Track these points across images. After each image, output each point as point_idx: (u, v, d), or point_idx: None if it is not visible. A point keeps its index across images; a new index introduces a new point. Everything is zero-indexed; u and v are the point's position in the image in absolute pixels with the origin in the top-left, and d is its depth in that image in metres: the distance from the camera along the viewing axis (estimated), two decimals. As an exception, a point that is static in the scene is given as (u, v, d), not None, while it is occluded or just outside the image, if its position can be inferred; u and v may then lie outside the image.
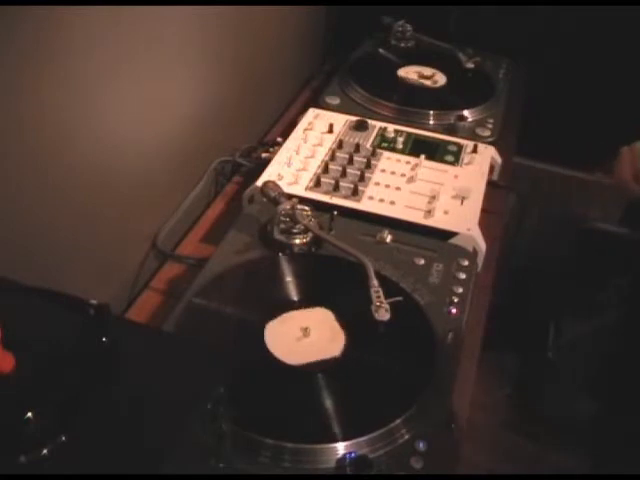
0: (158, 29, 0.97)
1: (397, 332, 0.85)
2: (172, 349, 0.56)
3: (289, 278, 0.94)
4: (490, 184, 1.18)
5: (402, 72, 1.47)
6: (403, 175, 1.14)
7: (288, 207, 0.97)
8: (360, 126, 1.26)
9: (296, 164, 1.14)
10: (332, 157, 1.17)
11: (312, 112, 1.31)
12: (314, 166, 1.14)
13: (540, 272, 1.71)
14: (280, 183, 1.04)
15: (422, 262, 0.97)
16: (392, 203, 1.07)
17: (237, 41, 1.26)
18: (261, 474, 0.70)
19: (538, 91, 1.56)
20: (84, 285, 0.85)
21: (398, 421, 0.74)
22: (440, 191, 1.09)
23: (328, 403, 0.76)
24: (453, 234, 1.02)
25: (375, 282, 0.87)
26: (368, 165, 1.15)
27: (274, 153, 1.18)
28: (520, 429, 1.62)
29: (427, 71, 1.48)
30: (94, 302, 0.55)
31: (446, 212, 1.05)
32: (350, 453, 0.70)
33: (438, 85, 1.45)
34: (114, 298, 1.01)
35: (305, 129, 1.25)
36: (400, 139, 1.23)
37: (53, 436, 0.46)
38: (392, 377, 0.81)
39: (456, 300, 0.91)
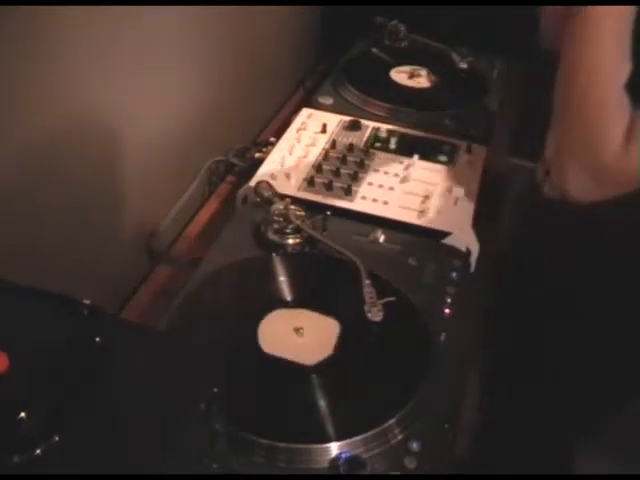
0: (154, 29, 0.97)
1: (390, 332, 0.85)
2: (166, 349, 0.56)
3: (283, 278, 0.94)
4: (484, 184, 1.18)
5: (395, 72, 1.47)
6: (396, 175, 1.14)
7: (281, 207, 0.97)
8: (353, 126, 1.26)
9: (289, 164, 1.14)
10: (325, 157, 1.17)
11: (305, 112, 1.31)
12: (307, 166, 1.14)
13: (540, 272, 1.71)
14: (273, 183, 1.04)
15: (415, 262, 0.97)
16: (385, 203, 1.07)
17: (231, 41, 1.26)
18: (256, 474, 0.70)
19: (538, 91, 1.56)
20: (78, 285, 0.84)
21: (392, 421, 0.74)
22: (433, 191, 1.09)
23: (322, 403, 0.76)
24: (446, 234, 1.02)
25: (368, 282, 0.87)
26: (361, 165, 1.15)
27: (267, 153, 1.18)
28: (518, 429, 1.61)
29: (420, 71, 1.48)
30: (87, 302, 0.55)
31: (439, 212, 1.06)
32: (344, 453, 0.70)
33: (431, 85, 1.45)
34: (108, 298, 1.01)
35: (298, 129, 1.25)
36: (393, 139, 1.23)
37: (46, 436, 0.46)
38: (386, 377, 0.81)
39: (449, 300, 0.91)
